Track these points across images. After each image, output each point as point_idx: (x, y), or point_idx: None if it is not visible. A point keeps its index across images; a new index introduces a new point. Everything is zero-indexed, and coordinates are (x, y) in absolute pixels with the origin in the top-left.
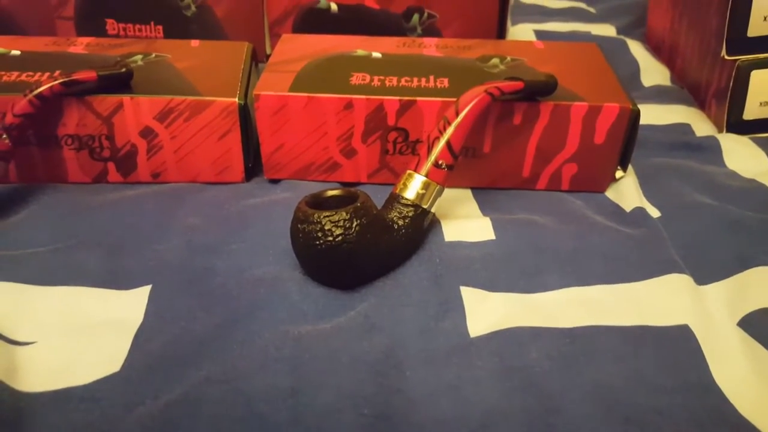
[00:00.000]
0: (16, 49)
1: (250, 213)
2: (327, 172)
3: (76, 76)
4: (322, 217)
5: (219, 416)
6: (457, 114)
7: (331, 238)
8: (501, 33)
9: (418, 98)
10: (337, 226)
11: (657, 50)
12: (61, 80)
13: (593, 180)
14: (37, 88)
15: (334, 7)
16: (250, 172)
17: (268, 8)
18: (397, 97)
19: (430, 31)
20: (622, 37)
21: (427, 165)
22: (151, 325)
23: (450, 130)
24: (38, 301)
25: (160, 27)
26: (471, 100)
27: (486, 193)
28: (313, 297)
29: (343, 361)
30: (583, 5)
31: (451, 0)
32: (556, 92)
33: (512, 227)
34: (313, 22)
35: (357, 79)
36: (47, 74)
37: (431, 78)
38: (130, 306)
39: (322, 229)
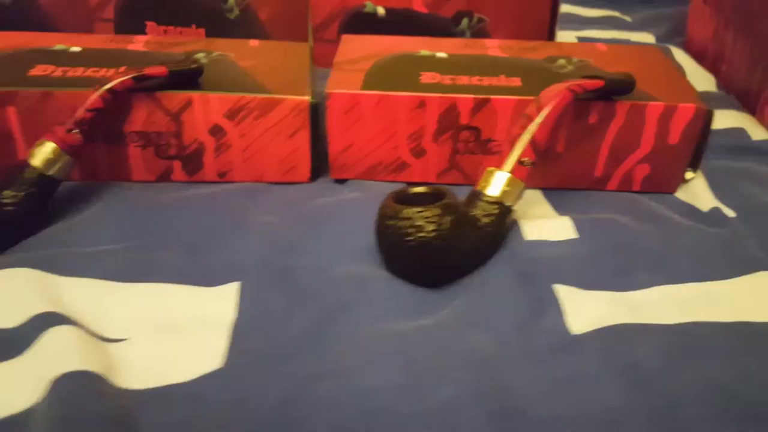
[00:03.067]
0: (76, 46)
1: (323, 212)
2: (395, 172)
3: (147, 71)
4: (413, 212)
5: (336, 411)
6: (539, 111)
7: (422, 234)
8: (551, 38)
9: (493, 96)
10: (429, 222)
11: (699, 58)
12: (132, 75)
13: (664, 181)
14: (108, 83)
15: (381, 10)
16: (314, 173)
17: (312, 12)
18: (472, 96)
19: (480, 35)
20: (665, 45)
21: (511, 162)
22: (248, 322)
23: (533, 127)
24: (121, 297)
25: (202, 30)
26: (553, 98)
27: (557, 193)
28: (402, 294)
29: (454, 357)
30: (617, 14)
31: (502, 4)
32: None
33: (594, 227)
34: (360, 25)
35: (427, 77)
36: (113, 70)
37: (502, 77)
38: (219, 303)
39: (413, 225)
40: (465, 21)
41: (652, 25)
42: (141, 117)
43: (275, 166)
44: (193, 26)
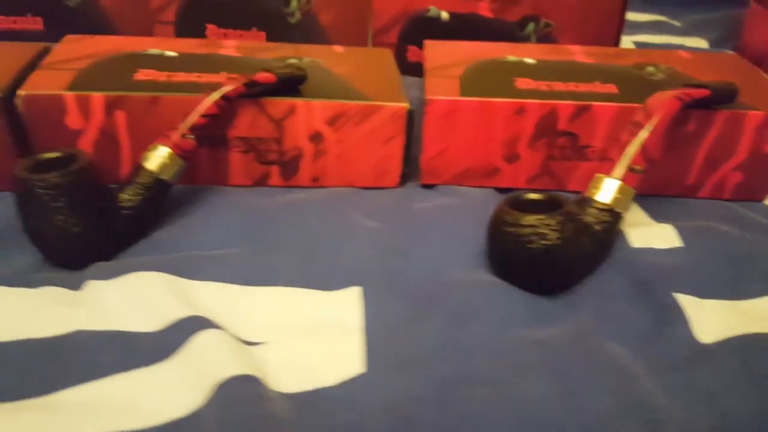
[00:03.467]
0: (170, 50)
1: (424, 218)
2: (485, 178)
3: (257, 78)
4: (536, 220)
5: (493, 420)
6: (648, 119)
7: (545, 242)
8: (617, 44)
9: (594, 103)
10: (552, 230)
11: (757, 63)
12: (244, 81)
13: (756, 188)
14: (221, 89)
15: (445, 15)
16: (401, 178)
17: (375, 16)
18: (572, 102)
19: (545, 40)
20: (724, 50)
21: (622, 169)
22: (379, 326)
23: (644, 134)
24: (250, 301)
25: (262, 33)
26: (662, 106)
27: (647, 199)
28: (520, 301)
29: (598, 367)
30: (664, 18)
31: (570, 9)
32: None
33: (698, 235)
34: (422, 30)
35: (522, 83)
36: (214, 75)
37: (597, 83)
38: (344, 306)
39: (536, 233)
40: (531, 26)
41: (703, 30)
42: (245, 123)
43: (367, 172)
44: (254, 29)
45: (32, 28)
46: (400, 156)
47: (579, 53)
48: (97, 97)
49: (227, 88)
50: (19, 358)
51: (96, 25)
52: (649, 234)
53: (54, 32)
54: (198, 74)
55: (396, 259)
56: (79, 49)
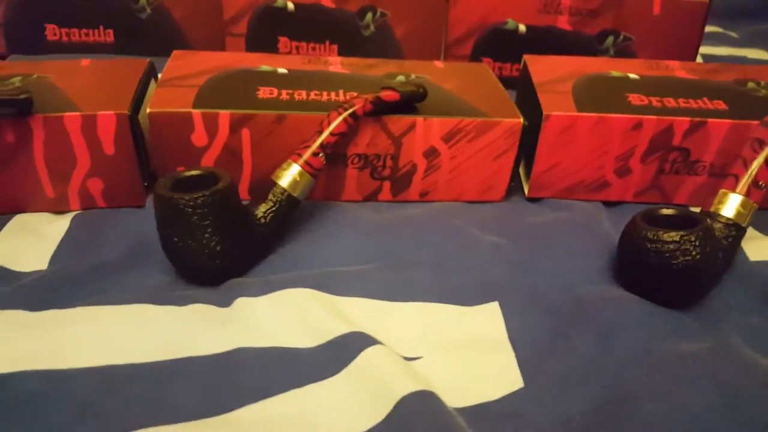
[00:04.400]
0: (280, 67)
1: (541, 232)
2: (593, 192)
3: (383, 96)
4: (678, 236)
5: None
6: None
7: (688, 258)
8: (695, 57)
9: (709, 119)
10: (694, 246)
11: None
12: (371, 99)
13: None
14: (350, 107)
15: (522, 28)
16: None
17: (449, 28)
18: (688, 118)
19: (624, 53)
20: None
21: (746, 184)
22: (524, 341)
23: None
24: (396, 316)
25: (335, 46)
26: None
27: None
28: (661, 315)
29: (753, 381)
30: (721, 30)
31: (651, 23)
32: None
33: None
34: (498, 43)
35: (636, 99)
36: (333, 93)
37: (705, 99)
38: (486, 322)
39: (680, 249)
40: (610, 39)
41: (761, 41)
42: (365, 140)
43: (475, 186)
44: (327, 42)
45: (103, 40)
46: (509, 170)
47: (678, 69)
48: (225, 115)
49: (355, 107)
50: (186, 377)
51: (167, 37)
52: (764, 247)
53: (125, 45)
54: (317, 92)
55: (525, 273)
56: (190, 66)
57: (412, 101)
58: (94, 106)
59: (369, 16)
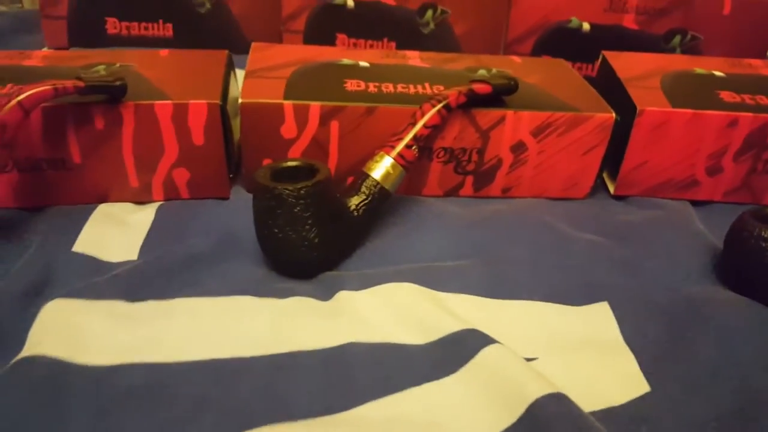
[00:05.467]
0: (361, 60)
1: (635, 230)
2: (681, 190)
3: (475, 88)
4: None
5: None
6: None
7: None
8: (765, 56)
9: None
10: None
11: None
12: (464, 91)
13: None
14: (443, 99)
15: (586, 26)
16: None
17: (510, 26)
18: None
19: (691, 52)
20: None
21: None
22: (641, 343)
23: None
24: (501, 314)
25: (392, 43)
26: None
27: None
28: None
29: None
30: None
31: (720, 22)
32: None
33: None
34: (561, 41)
35: (727, 96)
36: (419, 86)
37: None
38: (597, 322)
39: None
40: (677, 38)
41: None
42: (452, 133)
43: (560, 182)
44: (385, 39)
45: (162, 34)
46: (596, 167)
47: (763, 67)
48: (315, 107)
49: (449, 99)
50: (298, 372)
51: (225, 32)
52: None
53: (183, 39)
54: (404, 84)
55: (629, 272)
56: (273, 57)
57: (502, 94)
58: (184, 95)
59: (429, 13)
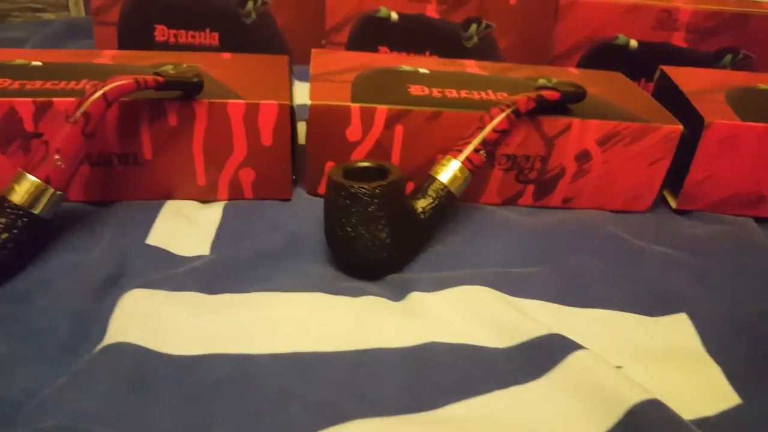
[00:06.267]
0: (420, 67)
1: (706, 244)
2: (746, 206)
3: (545, 95)
4: None
5: None
6: None
7: None
8: None
9: None
10: None
11: None
12: (534, 97)
13: None
14: (512, 104)
15: (633, 43)
16: None
17: (555, 42)
18: None
19: (744, 69)
20: None
21: None
22: (725, 356)
23: None
24: (577, 322)
25: (434, 56)
26: None
27: None
28: None
29: None
30: None
31: None
32: None
33: None
34: (608, 57)
35: None
36: (482, 93)
37: None
38: (678, 333)
39: None
40: (728, 57)
41: None
42: (517, 140)
43: (621, 194)
44: (427, 53)
45: (208, 43)
46: (661, 179)
47: None
48: (382, 110)
49: (518, 105)
50: (380, 368)
51: (269, 43)
52: None
53: (228, 48)
54: (467, 91)
55: (704, 285)
56: (335, 62)
57: (570, 102)
58: (254, 96)
59: (473, 27)
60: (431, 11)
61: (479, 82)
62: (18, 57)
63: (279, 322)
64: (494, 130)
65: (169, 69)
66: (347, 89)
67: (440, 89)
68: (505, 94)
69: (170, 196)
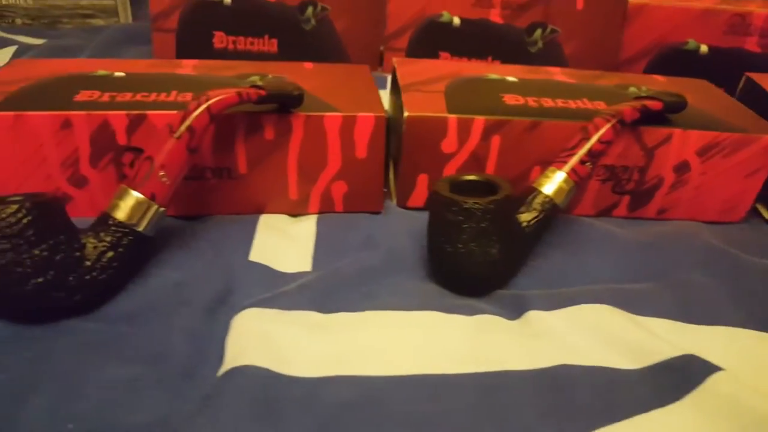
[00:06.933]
0: (507, 75)
1: None
2: None
3: (648, 104)
4: None
5: None
6: None
7: None
8: None
9: None
10: None
11: None
12: (638, 107)
13: None
14: (617, 115)
15: (704, 48)
16: None
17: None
18: None
19: None
20: None
21: None
22: None
23: None
24: (708, 340)
25: (497, 62)
26: None
27: None
28: None
29: None
30: None
31: None
32: None
33: None
34: (675, 64)
35: None
36: (579, 101)
37: None
38: None
39: None
40: None
41: None
42: (616, 150)
43: (717, 206)
44: (489, 58)
45: (267, 50)
46: (757, 190)
47: None
48: (479, 121)
49: (624, 114)
50: (513, 392)
51: (328, 49)
52: None
53: (287, 54)
54: (563, 100)
55: None
56: (420, 72)
57: (671, 112)
58: (350, 108)
59: (538, 32)
60: (495, 16)
61: (571, 90)
62: (99, 68)
63: (399, 343)
64: (600, 141)
65: (257, 80)
66: (441, 99)
67: (535, 98)
68: (602, 104)
69: (261, 211)
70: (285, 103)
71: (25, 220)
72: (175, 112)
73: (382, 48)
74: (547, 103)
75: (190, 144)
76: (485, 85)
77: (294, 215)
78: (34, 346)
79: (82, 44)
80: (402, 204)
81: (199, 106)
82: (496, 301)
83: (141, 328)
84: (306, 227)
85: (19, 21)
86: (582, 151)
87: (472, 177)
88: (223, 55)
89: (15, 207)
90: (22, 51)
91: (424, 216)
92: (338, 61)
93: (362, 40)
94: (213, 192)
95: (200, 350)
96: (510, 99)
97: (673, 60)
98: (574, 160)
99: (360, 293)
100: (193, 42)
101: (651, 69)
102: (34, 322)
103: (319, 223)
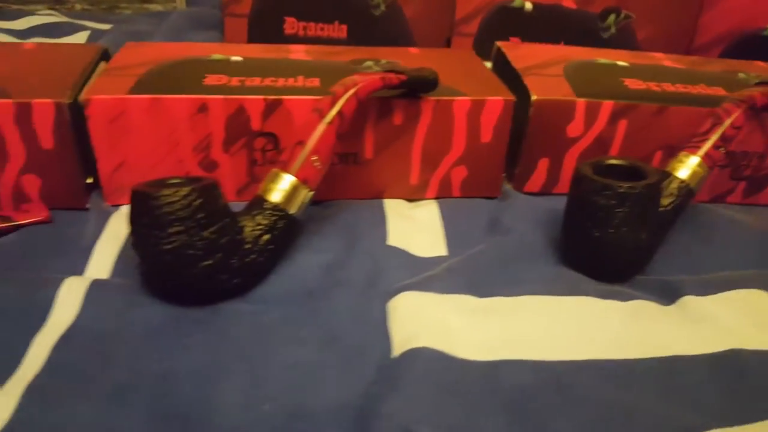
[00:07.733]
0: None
1: None
2: None
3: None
4: None
5: None
6: None
7: None
8: None
9: None
10: None
11: None
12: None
13: None
14: (747, 100)
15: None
16: None
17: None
18: None
19: None
20: None
21: None
22: None
23: None
24: None
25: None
26: None
27: None
28: None
29: None
30: None
31: None
32: None
33: None
34: (756, 50)
35: None
36: (698, 87)
37: None
38: None
39: None
40: None
41: None
42: (739, 136)
43: None
44: (561, 43)
45: (336, 35)
46: None
47: None
48: (608, 105)
49: (757, 99)
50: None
51: (396, 34)
52: None
53: (356, 40)
54: (683, 85)
55: None
56: (531, 56)
57: None
58: (476, 92)
59: (612, 17)
60: (567, 1)
61: (685, 76)
62: (211, 52)
63: (564, 328)
64: (732, 126)
65: (371, 65)
66: (564, 83)
67: (657, 83)
68: (720, 89)
69: (380, 196)
70: (420, 88)
71: (196, 203)
72: (309, 97)
73: (452, 33)
74: (669, 88)
75: (340, 129)
76: (603, 70)
77: (411, 200)
78: (208, 328)
79: (149, 30)
80: (519, 188)
81: (347, 91)
82: (642, 286)
83: (306, 310)
84: (428, 212)
85: (78, 6)
86: (715, 136)
87: (615, 161)
88: (294, 40)
89: (187, 189)
90: (96, 36)
91: (544, 200)
92: (402, 46)
93: (430, 26)
94: (337, 177)
95: (365, 332)
96: (632, 83)
97: (751, 46)
98: (708, 145)
99: (505, 278)
100: (264, 27)
101: (726, 55)
102: (192, 304)
103: (441, 208)
